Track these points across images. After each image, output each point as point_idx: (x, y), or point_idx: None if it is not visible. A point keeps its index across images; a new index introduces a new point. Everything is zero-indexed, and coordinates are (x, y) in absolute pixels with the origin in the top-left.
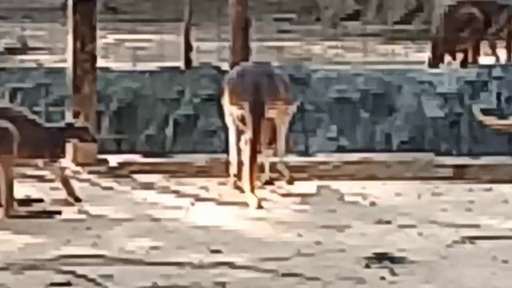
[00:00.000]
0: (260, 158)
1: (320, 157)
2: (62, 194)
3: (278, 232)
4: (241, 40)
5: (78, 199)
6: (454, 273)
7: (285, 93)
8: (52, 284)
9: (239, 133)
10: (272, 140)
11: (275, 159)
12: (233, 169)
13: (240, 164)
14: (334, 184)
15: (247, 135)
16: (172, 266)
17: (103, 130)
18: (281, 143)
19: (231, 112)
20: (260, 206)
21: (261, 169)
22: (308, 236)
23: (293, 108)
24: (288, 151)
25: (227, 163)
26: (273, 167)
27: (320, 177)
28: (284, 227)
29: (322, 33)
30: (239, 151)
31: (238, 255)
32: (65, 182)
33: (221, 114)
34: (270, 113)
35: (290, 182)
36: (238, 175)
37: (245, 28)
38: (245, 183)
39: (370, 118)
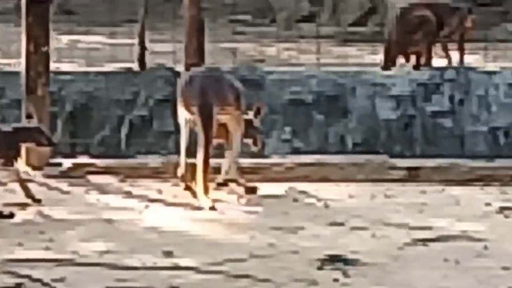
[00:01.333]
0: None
1: (274, 159)
2: (16, 197)
3: (231, 234)
4: (195, 42)
5: (37, 200)
6: (406, 274)
7: (235, 99)
8: (4, 287)
9: (192, 136)
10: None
11: (231, 164)
12: (180, 171)
13: (191, 166)
14: (288, 186)
15: (199, 138)
16: (126, 269)
17: (57, 132)
18: (235, 149)
19: (183, 115)
20: (213, 208)
21: (218, 171)
22: (261, 238)
23: (246, 115)
24: (260, 151)
25: (176, 165)
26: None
27: (274, 179)
28: (237, 229)
29: (277, 35)
30: (188, 153)
31: (191, 257)
32: (23, 184)
33: (176, 116)
34: (222, 118)
35: (252, 191)
36: (186, 177)
37: (200, 30)
38: (198, 185)
39: (324, 120)
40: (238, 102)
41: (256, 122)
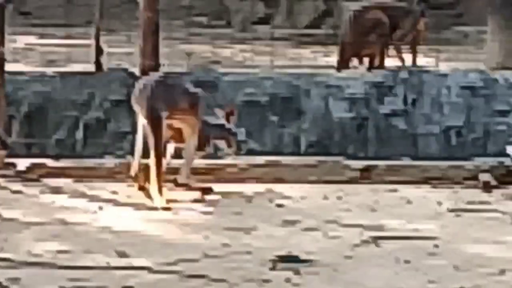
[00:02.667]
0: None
1: (227, 160)
2: None
3: (185, 234)
4: (151, 44)
5: None
6: (358, 273)
7: (190, 106)
8: None
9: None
10: (202, 145)
11: (183, 169)
12: (133, 170)
13: (145, 166)
14: (242, 187)
15: (149, 141)
16: (80, 270)
17: (13, 134)
18: (187, 155)
19: (138, 119)
20: (167, 209)
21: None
22: (214, 238)
23: (217, 119)
24: (236, 153)
25: (129, 165)
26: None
27: (228, 180)
28: (191, 229)
29: (232, 37)
30: (144, 154)
31: (145, 257)
32: None
33: (132, 118)
34: (176, 123)
35: (207, 191)
36: (139, 177)
37: (155, 32)
38: (152, 186)
39: (278, 121)
40: (194, 109)
41: (229, 125)
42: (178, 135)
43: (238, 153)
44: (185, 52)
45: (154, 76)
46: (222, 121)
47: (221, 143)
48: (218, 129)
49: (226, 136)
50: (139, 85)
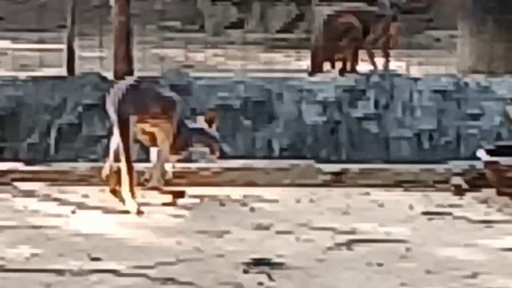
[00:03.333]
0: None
1: (200, 164)
2: None
3: (158, 238)
4: (123, 49)
5: None
6: (330, 277)
7: (163, 111)
8: None
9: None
10: (179, 150)
11: (154, 173)
12: (104, 173)
13: (117, 170)
14: (214, 191)
15: (120, 143)
16: (52, 274)
17: None
18: (160, 160)
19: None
20: (140, 212)
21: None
22: (187, 241)
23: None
24: (216, 160)
25: (100, 168)
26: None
27: (201, 184)
28: (164, 234)
29: (205, 41)
30: (114, 158)
31: (118, 262)
32: None
33: (105, 122)
34: (148, 128)
35: (180, 195)
36: (111, 181)
37: (128, 37)
38: (124, 189)
39: (251, 125)
40: (167, 113)
41: (212, 131)
42: (155, 140)
43: (220, 159)
44: (158, 56)
45: (128, 80)
46: (205, 127)
47: (204, 149)
48: (201, 136)
49: (209, 142)
50: (113, 89)
